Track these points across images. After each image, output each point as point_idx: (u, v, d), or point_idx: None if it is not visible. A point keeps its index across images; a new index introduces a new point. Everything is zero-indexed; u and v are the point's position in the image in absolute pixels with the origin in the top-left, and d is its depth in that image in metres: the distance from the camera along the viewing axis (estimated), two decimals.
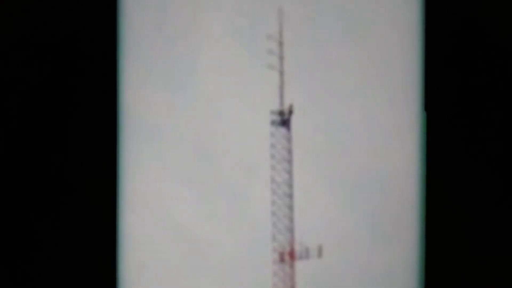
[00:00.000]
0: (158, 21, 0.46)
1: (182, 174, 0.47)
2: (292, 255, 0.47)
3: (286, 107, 0.47)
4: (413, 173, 0.47)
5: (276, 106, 0.47)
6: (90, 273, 0.51)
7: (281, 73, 0.47)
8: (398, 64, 0.47)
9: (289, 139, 0.47)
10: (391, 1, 0.46)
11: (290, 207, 0.47)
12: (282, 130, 0.47)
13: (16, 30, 0.50)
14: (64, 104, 0.50)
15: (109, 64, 0.47)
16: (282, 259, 0.47)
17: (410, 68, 0.47)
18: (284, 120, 0.47)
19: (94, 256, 0.50)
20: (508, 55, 0.51)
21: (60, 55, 0.49)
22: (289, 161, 0.47)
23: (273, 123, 0.47)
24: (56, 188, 0.50)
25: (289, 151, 0.47)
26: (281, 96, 0.47)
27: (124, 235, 0.47)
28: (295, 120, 0.47)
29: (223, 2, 0.46)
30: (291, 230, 0.47)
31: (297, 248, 0.47)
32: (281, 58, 0.47)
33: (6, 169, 0.50)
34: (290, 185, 0.47)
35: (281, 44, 0.47)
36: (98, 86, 0.49)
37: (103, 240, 0.49)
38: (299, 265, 0.47)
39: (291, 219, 0.47)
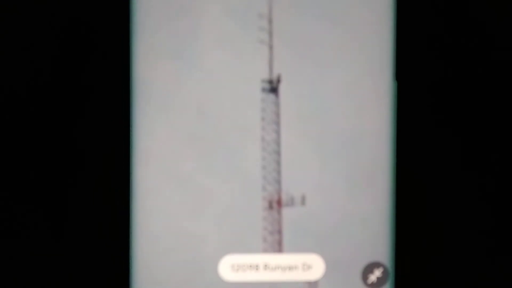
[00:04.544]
0: (166, 2, 0.52)
1: (186, 134, 0.52)
2: (279, 203, 0.52)
3: (275, 76, 0.52)
4: (384, 133, 0.52)
5: (266, 76, 0.52)
6: (104, 217, 0.56)
7: (271, 47, 0.52)
8: (372, 39, 0.52)
9: (277, 104, 0.52)
10: None
11: (278, 162, 0.52)
12: (271, 96, 0.52)
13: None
14: (82, 73, 0.56)
15: (123, 38, 0.53)
16: (270, 206, 0.52)
17: (383, 42, 0.52)
18: (273, 87, 0.52)
19: (109, 203, 0.56)
20: (482, 28, 0.55)
21: (74, 31, 0.55)
22: (277, 123, 0.52)
23: (263, 90, 0.52)
24: (76, 152, 0.55)
25: (277, 115, 0.52)
26: (271, 67, 0.52)
27: (137, 186, 0.52)
28: (282, 88, 0.52)
29: None
30: (278, 181, 0.52)
31: (284, 197, 0.52)
32: (270, 34, 0.52)
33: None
34: (278, 143, 0.52)
35: (270, 21, 0.52)
36: (113, 56, 0.55)
37: (118, 190, 0.55)
38: (285, 211, 0.52)
39: (278, 172, 0.52)
